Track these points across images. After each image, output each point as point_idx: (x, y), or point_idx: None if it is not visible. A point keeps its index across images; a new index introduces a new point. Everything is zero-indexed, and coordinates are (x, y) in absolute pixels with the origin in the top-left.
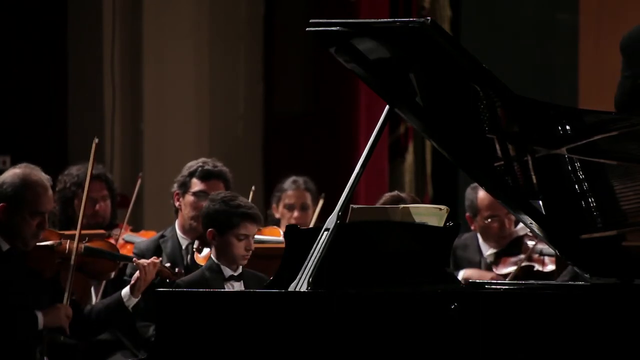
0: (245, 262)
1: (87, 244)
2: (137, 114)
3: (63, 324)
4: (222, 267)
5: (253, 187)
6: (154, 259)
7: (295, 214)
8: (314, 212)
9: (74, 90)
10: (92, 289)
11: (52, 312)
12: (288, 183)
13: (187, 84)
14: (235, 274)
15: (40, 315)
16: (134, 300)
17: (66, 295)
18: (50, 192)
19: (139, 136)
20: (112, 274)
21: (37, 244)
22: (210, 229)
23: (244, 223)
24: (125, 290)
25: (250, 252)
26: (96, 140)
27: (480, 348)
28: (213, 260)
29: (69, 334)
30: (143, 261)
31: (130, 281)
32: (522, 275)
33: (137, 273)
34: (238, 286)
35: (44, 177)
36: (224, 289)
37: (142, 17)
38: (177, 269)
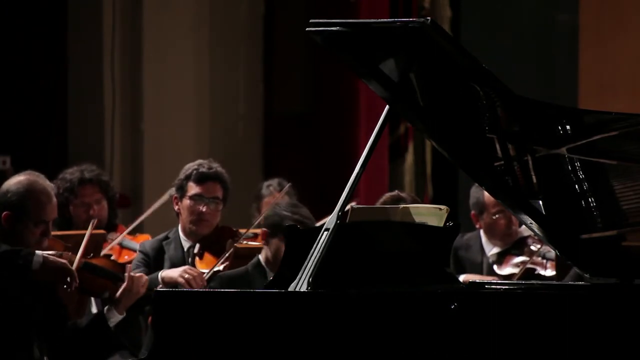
0: None
1: (88, 260)
2: (137, 114)
3: (64, 264)
4: (268, 271)
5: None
6: (142, 275)
7: None
8: None
9: (74, 90)
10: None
11: (54, 259)
12: (263, 189)
13: (187, 84)
14: None
15: (40, 253)
16: (118, 317)
17: None
18: (54, 200)
19: (139, 136)
20: (107, 294)
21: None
22: (264, 229)
23: None
24: (109, 305)
25: None
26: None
27: (481, 348)
28: (260, 262)
29: (78, 284)
30: (133, 274)
31: None
32: (523, 277)
33: (124, 284)
34: None
35: (48, 186)
36: None
37: (142, 17)
38: None
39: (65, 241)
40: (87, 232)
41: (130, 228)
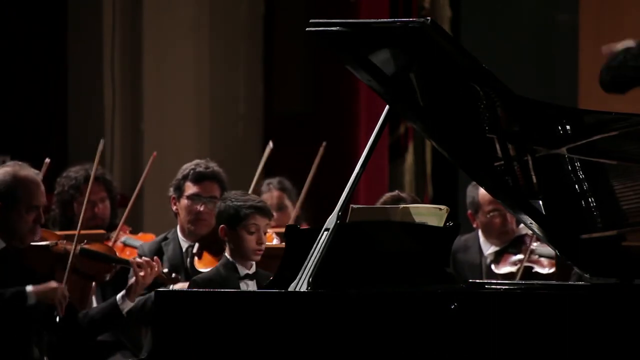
0: (259, 257)
1: (84, 246)
2: (137, 114)
3: (56, 302)
4: (237, 265)
5: (271, 143)
6: (154, 261)
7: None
8: (295, 209)
9: (74, 90)
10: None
11: (45, 288)
12: (263, 187)
13: (187, 84)
14: (250, 273)
15: (30, 289)
16: (129, 305)
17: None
18: (42, 186)
19: (139, 136)
20: (107, 277)
21: (34, 243)
22: (222, 226)
23: (253, 215)
24: (121, 294)
25: (263, 246)
26: (102, 142)
27: (481, 348)
28: (228, 259)
29: (63, 315)
30: (139, 261)
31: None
32: (521, 276)
33: (133, 275)
34: (252, 285)
35: (33, 173)
36: (239, 287)
37: (142, 17)
38: (173, 275)
39: (66, 240)
40: (80, 220)
41: (121, 223)
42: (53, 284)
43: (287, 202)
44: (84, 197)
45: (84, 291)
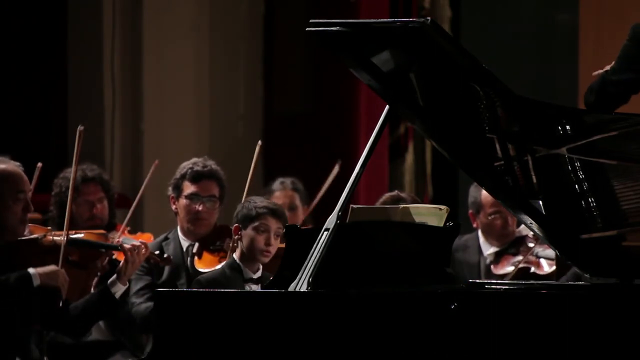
0: (266, 259)
1: (72, 235)
2: (137, 114)
3: (60, 284)
4: (243, 268)
5: (260, 142)
6: (142, 243)
7: None
8: (304, 212)
9: (74, 90)
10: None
11: (47, 270)
12: (276, 184)
13: (187, 84)
14: (255, 277)
15: (34, 271)
16: (122, 288)
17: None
18: (24, 175)
19: (139, 136)
20: (99, 264)
21: (23, 238)
22: (235, 224)
23: (264, 215)
24: (112, 278)
25: (271, 248)
26: (81, 127)
27: (481, 348)
28: (234, 260)
29: (64, 298)
30: (128, 245)
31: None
32: (519, 277)
33: (123, 260)
34: (256, 289)
35: (13, 164)
36: (243, 289)
37: (142, 17)
38: (165, 255)
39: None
40: (67, 209)
41: (123, 226)
42: (53, 266)
43: (298, 203)
44: (82, 198)
45: (86, 285)
